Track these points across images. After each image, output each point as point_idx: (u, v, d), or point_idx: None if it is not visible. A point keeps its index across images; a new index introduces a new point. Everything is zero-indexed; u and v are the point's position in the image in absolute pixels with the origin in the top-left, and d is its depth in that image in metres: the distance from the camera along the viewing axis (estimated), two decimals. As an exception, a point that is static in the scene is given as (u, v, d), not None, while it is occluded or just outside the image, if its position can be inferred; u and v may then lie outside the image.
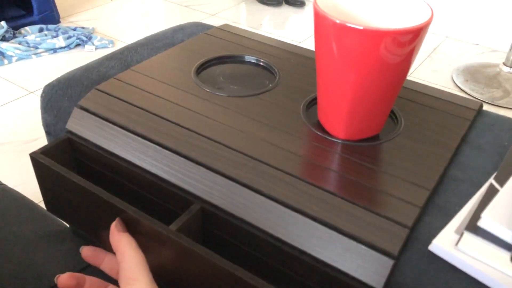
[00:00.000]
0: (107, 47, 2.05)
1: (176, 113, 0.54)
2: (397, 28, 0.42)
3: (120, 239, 0.45)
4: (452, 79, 1.97)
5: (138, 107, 0.54)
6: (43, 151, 0.53)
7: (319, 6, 0.46)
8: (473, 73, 2.00)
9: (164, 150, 0.50)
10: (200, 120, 0.53)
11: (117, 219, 0.46)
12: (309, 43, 2.20)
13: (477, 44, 2.27)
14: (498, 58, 2.13)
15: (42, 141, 1.32)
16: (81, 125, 0.55)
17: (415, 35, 0.43)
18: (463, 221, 0.42)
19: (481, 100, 1.81)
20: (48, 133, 0.61)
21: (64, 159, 0.55)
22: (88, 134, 0.54)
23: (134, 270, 0.43)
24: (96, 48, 2.02)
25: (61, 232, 0.67)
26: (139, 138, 0.52)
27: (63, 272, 0.59)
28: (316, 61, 0.50)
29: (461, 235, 0.40)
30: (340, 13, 0.51)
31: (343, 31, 0.43)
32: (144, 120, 0.53)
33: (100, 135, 0.53)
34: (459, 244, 0.39)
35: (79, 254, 0.64)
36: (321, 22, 0.45)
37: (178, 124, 0.52)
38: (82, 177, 0.49)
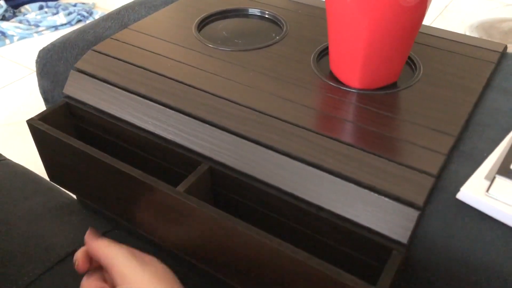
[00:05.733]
0: (109, 21, 2.01)
1: (178, 71, 0.50)
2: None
3: (98, 245, 0.42)
4: (465, 36, 1.90)
5: (138, 66, 0.51)
6: (41, 117, 0.50)
7: None
8: (487, 29, 1.93)
9: (168, 110, 0.47)
10: (204, 77, 0.49)
11: (88, 230, 0.44)
12: None
13: (490, -1, 2.19)
14: (512, 12, 2.05)
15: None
16: (79, 88, 0.52)
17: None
18: (493, 166, 0.38)
19: (496, 56, 1.74)
20: (46, 100, 0.58)
21: (63, 125, 0.52)
22: (87, 97, 0.51)
23: (122, 274, 0.39)
24: (98, 23, 1.98)
25: (68, 204, 0.65)
26: (140, 99, 0.49)
27: (72, 244, 0.57)
28: (327, 6, 0.46)
29: (492, 180, 0.37)
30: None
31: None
32: (145, 80, 0.50)
33: (99, 97, 0.50)
34: (490, 190, 0.36)
35: (86, 226, 0.61)
36: (330, -42, 0.41)
37: (181, 82, 0.49)
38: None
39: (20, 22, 1.93)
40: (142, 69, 0.51)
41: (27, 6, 2.03)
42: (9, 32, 1.87)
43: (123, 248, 0.41)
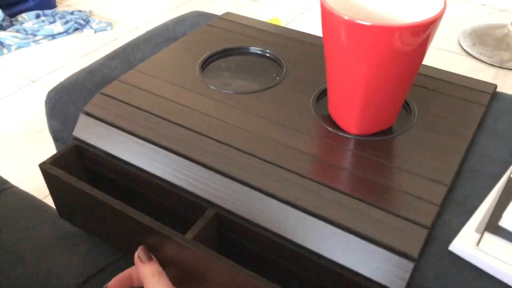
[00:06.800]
0: (106, 29, 2.02)
1: (183, 116, 0.53)
2: (407, 23, 0.41)
3: (144, 271, 0.45)
4: (459, 43, 1.92)
5: (145, 111, 0.53)
6: (52, 161, 0.52)
7: (326, 2, 0.44)
8: (480, 35, 1.96)
9: (174, 156, 0.49)
10: (208, 122, 0.52)
11: (139, 249, 0.46)
12: (311, 13, 2.15)
13: (484, 5, 2.21)
14: (506, 18, 2.08)
15: (48, 131, 1.32)
16: (88, 131, 0.54)
17: (426, 29, 0.42)
18: (483, 218, 0.41)
19: (490, 64, 1.77)
20: (55, 139, 0.60)
21: (74, 167, 0.55)
22: (96, 141, 0.53)
23: None
24: (95, 32, 1.99)
25: (76, 234, 0.67)
26: (148, 144, 0.51)
27: (81, 275, 0.59)
28: (325, 56, 0.48)
29: (482, 235, 0.39)
30: (348, 3, 0.49)
31: (351, 27, 0.42)
32: (151, 125, 0.52)
33: (108, 141, 0.53)
34: (480, 244, 0.39)
35: (96, 255, 0.63)
36: (329, 18, 0.43)
37: (186, 128, 0.51)
38: (93, 184, 0.48)
39: (17, 31, 1.94)
40: (149, 114, 0.53)
41: (23, 15, 2.04)
42: (7, 42, 1.88)
43: (164, 284, 0.44)
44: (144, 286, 0.45)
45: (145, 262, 0.46)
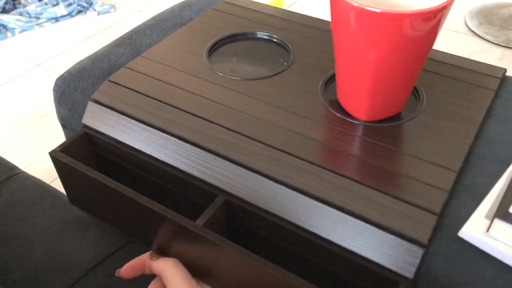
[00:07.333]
0: (109, 12, 2.00)
1: (192, 103, 0.53)
2: (418, 10, 0.40)
3: (157, 266, 0.46)
4: (465, 22, 1.90)
5: (153, 98, 0.53)
6: (62, 148, 0.53)
7: (336, -12, 0.43)
8: (487, 15, 1.93)
9: (184, 143, 0.50)
10: (216, 109, 0.52)
11: (149, 253, 0.47)
12: (315, -6, 2.12)
13: (491, -17, 2.18)
14: (513, -3, 2.05)
15: (53, 115, 1.33)
16: (97, 119, 0.54)
17: (437, 15, 0.41)
18: (492, 204, 0.41)
19: (496, 43, 1.75)
20: (64, 126, 0.60)
21: (84, 155, 0.55)
22: (105, 129, 0.53)
23: None
24: (98, 14, 1.98)
25: (85, 219, 0.68)
26: (157, 131, 0.51)
27: (92, 259, 0.60)
28: (334, 42, 0.48)
29: (492, 221, 0.39)
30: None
31: (361, 14, 0.41)
32: (160, 112, 0.52)
33: (117, 129, 0.53)
34: (490, 231, 0.39)
35: (106, 240, 0.64)
36: (338, 4, 0.43)
37: (195, 115, 0.51)
38: (102, 170, 0.49)
39: (21, 14, 1.93)
40: (157, 101, 0.53)
41: (26, -3, 2.03)
42: (10, 25, 1.87)
43: (180, 273, 0.45)
44: (163, 279, 0.46)
45: (158, 259, 0.47)
